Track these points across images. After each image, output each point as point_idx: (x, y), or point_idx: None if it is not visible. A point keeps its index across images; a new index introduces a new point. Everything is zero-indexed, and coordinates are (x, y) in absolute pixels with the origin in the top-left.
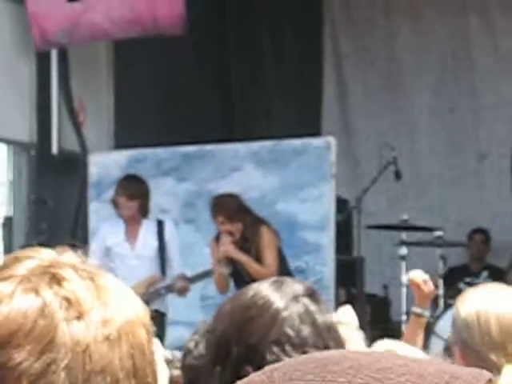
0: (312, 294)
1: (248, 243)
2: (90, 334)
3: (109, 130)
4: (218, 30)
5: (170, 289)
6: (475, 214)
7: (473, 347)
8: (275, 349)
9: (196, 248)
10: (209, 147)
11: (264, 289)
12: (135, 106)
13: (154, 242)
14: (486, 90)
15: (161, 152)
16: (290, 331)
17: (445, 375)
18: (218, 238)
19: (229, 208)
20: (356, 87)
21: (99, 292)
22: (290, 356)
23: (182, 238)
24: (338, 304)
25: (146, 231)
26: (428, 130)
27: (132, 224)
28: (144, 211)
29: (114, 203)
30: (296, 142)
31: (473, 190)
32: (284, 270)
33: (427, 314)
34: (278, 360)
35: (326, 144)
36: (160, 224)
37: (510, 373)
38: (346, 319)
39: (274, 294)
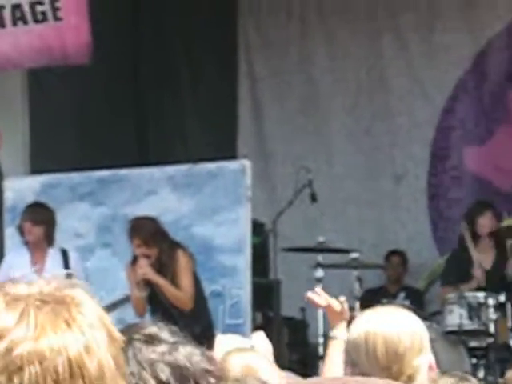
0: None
1: (164, 267)
2: None
3: (24, 155)
4: (134, 55)
5: None
6: (392, 236)
7: (360, 368)
8: None
9: (112, 272)
10: (124, 171)
11: None
12: (51, 131)
13: (61, 272)
14: (400, 110)
15: (75, 177)
16: None
17: None
18: (133, 262)
19: (146, 231)
20: (272, 110)
21: None
22: None
23: (99, 262)
24: (255, 327)
25: (53, 261)
26: (344, 152)
27: (38, 252)
28: (49, 239)
29: (20, 229)
30: (211, 166)
31: (389, 212)
32: (199, 294)
33: (343, 336)
34: None
35: (241, 167)
36: (64, 253)
37: None
38: (259, 345)
39: None
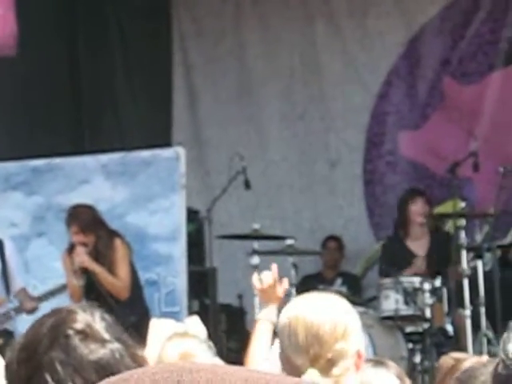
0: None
1: (101, 255)
2: None
3: None
4: (68, 43)
5: (19, 310)
6: (328, 221)
7: (284, 352)
8: None
9: (48, 261)
10: (57, 160)
11: None
12: None
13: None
14: (335, 96)
15: (9, 166)
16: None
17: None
18: (70, 250)
19: (83, 219)
20: (206, 97)
21: None
22: None
23: (34, 251)
24: (191, 314)
25: None
26: (278, 138)
27: None
28: None
29: None
30: (145, 154)
31: (325, 197)
32: (136, 283)
33: (271, 318)
34: None
35: (175, 154)
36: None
37: (312, 374)
38: (193, 330)
39: None
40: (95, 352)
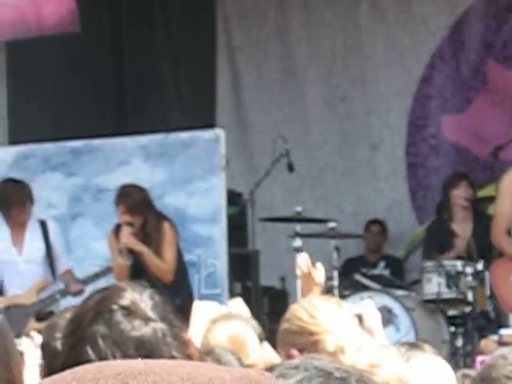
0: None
1: (148, 237)
2: None
3: (3, 127)
4: (113, 27)
5: (64, 293)
6: (371, 205)
7: None
8: None
9: (85, 243)
10: (97, 142)
11: None
12: (29, 102)
13: (40, 245)
14: (377, 78)
15: (49, 147)
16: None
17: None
18: (116, 230)
19: (132, 199)
20: (250, 80)
21: None
22: None
23: (70, 233)
24: (233, 297)
25: (32, 233)
26: (321, 121)
27: (17, 226)
28: (29, 212)
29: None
30: (184, 135)
31: (367, 180)
32: (181, 267)
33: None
34: None
35: (215, 136)
36: (43, 224)
37: None
38: (237, 311)
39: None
40: (137, 329)
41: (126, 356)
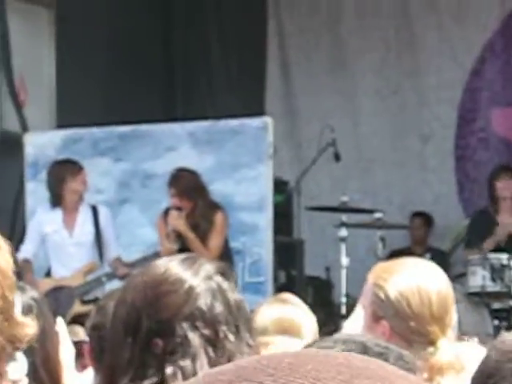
0: (224, 273)
1: (197, 223)
2: None
3: (50, 109)
4: (163, 9)
5: (111, 276)
6: (418, 196)
7: (409, 319)
8: (185, 324)
9: (132, 228)
10: (145, 127)
11: (175, 266)
12: (78, 86)
13: (91, 229)
14: (429, 69)
15: (97, 132)
16: (202, 308)
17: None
18: (165, 213)
19: (183, 183)
20: (300, 68)
21: None
22: (200, 331)
23: (118, 219)
24: (278, 286)
25: (83, 217)
26: (371, 112)
27: (69, 209)
28: (81, 195)
29: (51, 186)
30: (233, 122)
31: (416, 173)
32: (226, 256)
33: None
34: (186, 335)
35: (263, 124)
36: (94, 209)
37: (445, 343)
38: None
39: (185, 271)
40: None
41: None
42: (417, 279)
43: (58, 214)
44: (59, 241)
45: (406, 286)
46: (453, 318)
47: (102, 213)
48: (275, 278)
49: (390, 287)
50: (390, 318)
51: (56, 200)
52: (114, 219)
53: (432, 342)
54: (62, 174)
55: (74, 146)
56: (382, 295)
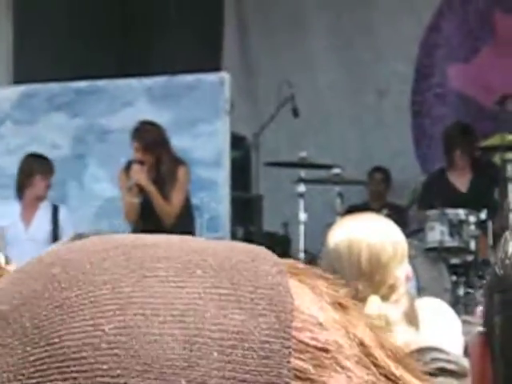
0: None
1: (159, 178)
2: None
3: (8, 65)
4: None
5: None
6: (375, 152)
7: (338, 274)
8: None
9: (85, 183)
10: (101, 82)
11: None
12: (34, 42)
13: (48, 227)
14: (385, 25)
15: (53, 87)
16: None
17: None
18: (127, 167)
19: (146, 137)
20: (256, 25)
21: None
22: None
23: (72, 173)
24: (234, 241)
25: (42, 214)
26: (327, 67)
27: (29, 205)
28: (45, 192)
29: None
30: (190, 78)
31: (373, 128)
32: (187, 211)
33: None
34: None
35: (220, 80)
36: (55, 208)
37: (375, 300)
38: None
39: None
40: None
41: None
42: (351, 233)
43: (16, 208)
44: (14, 234)
45: (339, 240)
46: (391, 275)
47: (63, 213)
48: (233, 234)
49: (329, 240)
50: (327, 271)
51: (18, 191)
52: (70, 174)
53: (361, 300)
54: (31, 170)
55: (29, 101)
56: (324, 248)
